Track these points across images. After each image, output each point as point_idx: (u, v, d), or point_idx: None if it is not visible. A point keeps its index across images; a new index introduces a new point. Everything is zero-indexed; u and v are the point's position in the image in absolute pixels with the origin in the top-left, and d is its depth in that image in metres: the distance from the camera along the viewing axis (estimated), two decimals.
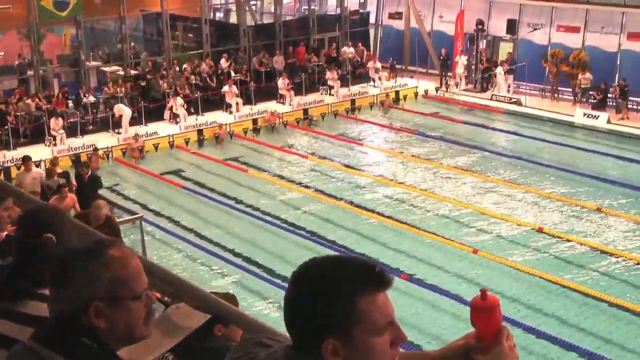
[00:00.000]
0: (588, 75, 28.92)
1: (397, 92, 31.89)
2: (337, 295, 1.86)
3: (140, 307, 2.21)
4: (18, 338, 2.37)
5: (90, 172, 17.73)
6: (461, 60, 32.19)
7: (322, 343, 1.85)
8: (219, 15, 37.57)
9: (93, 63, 30.76)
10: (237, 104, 28.63)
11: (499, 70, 30.80)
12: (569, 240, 17.99)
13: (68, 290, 2.16)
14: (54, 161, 21.18)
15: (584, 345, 13.59)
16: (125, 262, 2.20)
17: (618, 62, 29.51)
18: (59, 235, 2.90)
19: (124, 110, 26.49)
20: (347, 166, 24.51)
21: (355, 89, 31.69)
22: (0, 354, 2.40)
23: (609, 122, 27.34)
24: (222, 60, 30.72)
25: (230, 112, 28.38)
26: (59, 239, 2.86)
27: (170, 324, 2.82)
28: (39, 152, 23.89)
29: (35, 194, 15.26)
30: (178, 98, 27.46)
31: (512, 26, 32.25)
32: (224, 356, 2.17)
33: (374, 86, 32.14)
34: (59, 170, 19.23)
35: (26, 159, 18.09)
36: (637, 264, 16.81)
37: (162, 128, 27.04)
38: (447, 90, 32.02)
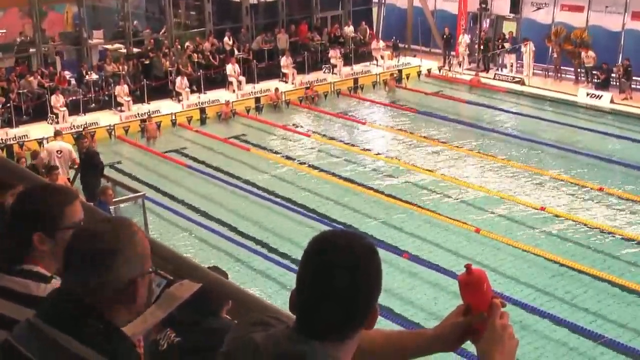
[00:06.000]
0: (591, 53, 28.77)
1: (399, 71, 31.77)
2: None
3: (145, 284, 2.21)
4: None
5: (87, 148, 17.47)
6: (464, 40, 32.05)
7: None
8: None
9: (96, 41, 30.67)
10: (239, 82, 28.57)
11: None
12: (571, 220, 18.00)
13: (79, 272, 2.14)
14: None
15: (586, 325, 13.62)
16: (136, 241, 2.19)
17: (622, 42, 29.35)
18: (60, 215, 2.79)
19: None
20: (350, 144, 24.49)
21: (358, 67, 31.63)
22: None
23: (612, 102, 27.26)
24: (226, 39, 30.59)
25: (234, 91, 28.32)
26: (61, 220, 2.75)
27: (163, 297, 2.81)
28: (42, 129, 23.89)
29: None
30: (183, 79, 27.39)
31: (515, 5, 32.06)
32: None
33: (377, 65, 32.04)
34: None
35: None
36: (639, 243, 16.82)
37: (165, 106, 26.99)
38: (450, 70, 31.92)
